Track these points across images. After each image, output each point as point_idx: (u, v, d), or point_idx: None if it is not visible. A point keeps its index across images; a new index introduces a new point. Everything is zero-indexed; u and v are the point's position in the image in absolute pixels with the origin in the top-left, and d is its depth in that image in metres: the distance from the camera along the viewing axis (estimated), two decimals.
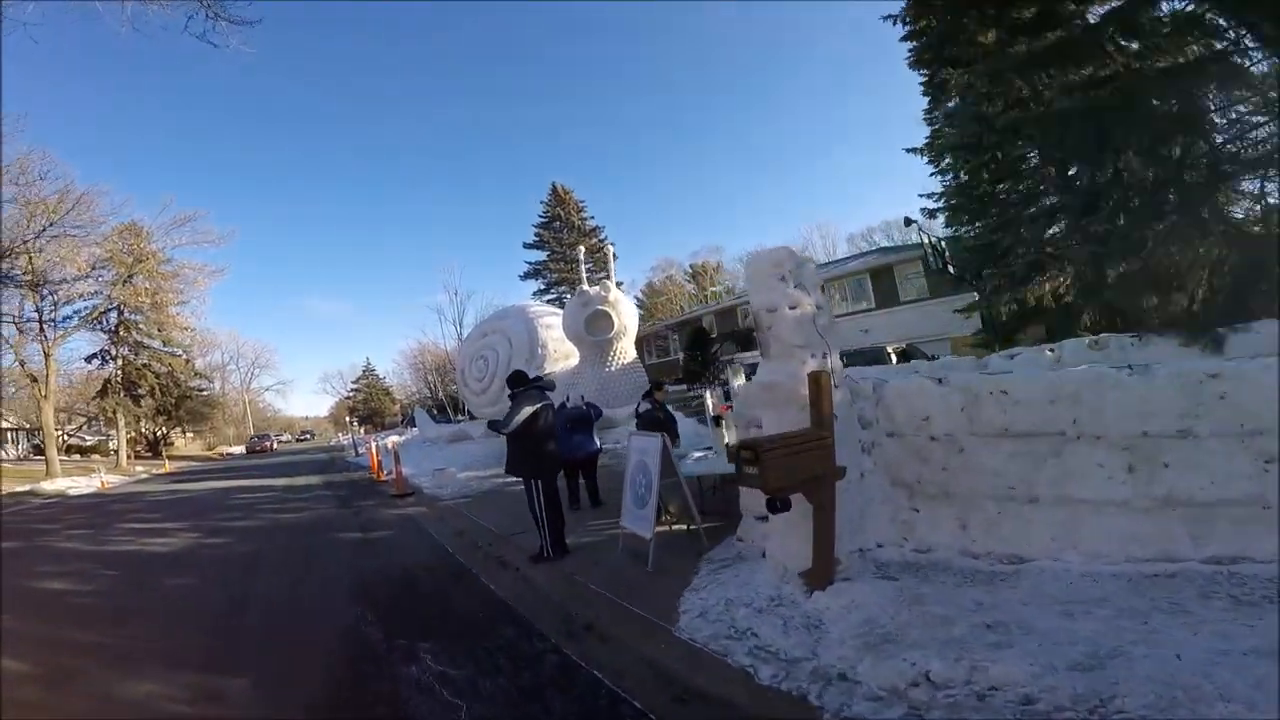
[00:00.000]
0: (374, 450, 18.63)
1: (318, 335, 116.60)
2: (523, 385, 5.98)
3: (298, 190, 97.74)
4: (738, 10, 76.09)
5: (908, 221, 16.16)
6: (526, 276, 43.56)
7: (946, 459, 4.33)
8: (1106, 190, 8.56)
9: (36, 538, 11.21)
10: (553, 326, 19.11)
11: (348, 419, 55.29)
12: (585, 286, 18.29)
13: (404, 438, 29.80)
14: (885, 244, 37.70)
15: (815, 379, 3.88)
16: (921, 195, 17.69)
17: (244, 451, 48.46)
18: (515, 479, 6.15)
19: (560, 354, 18.81)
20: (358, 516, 10.49)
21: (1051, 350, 5.62)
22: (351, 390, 79.38)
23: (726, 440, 6.22)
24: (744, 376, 9.55)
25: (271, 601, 5.71)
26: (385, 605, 5.22)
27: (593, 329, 17.46)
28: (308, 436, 76.22)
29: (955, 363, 5.68)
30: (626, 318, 18.05)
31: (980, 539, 4.20)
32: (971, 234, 14.07)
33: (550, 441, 5.91)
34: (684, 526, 6.06)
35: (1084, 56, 8.66)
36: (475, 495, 10.77)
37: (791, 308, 4.38)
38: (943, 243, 12.42)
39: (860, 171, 74.03)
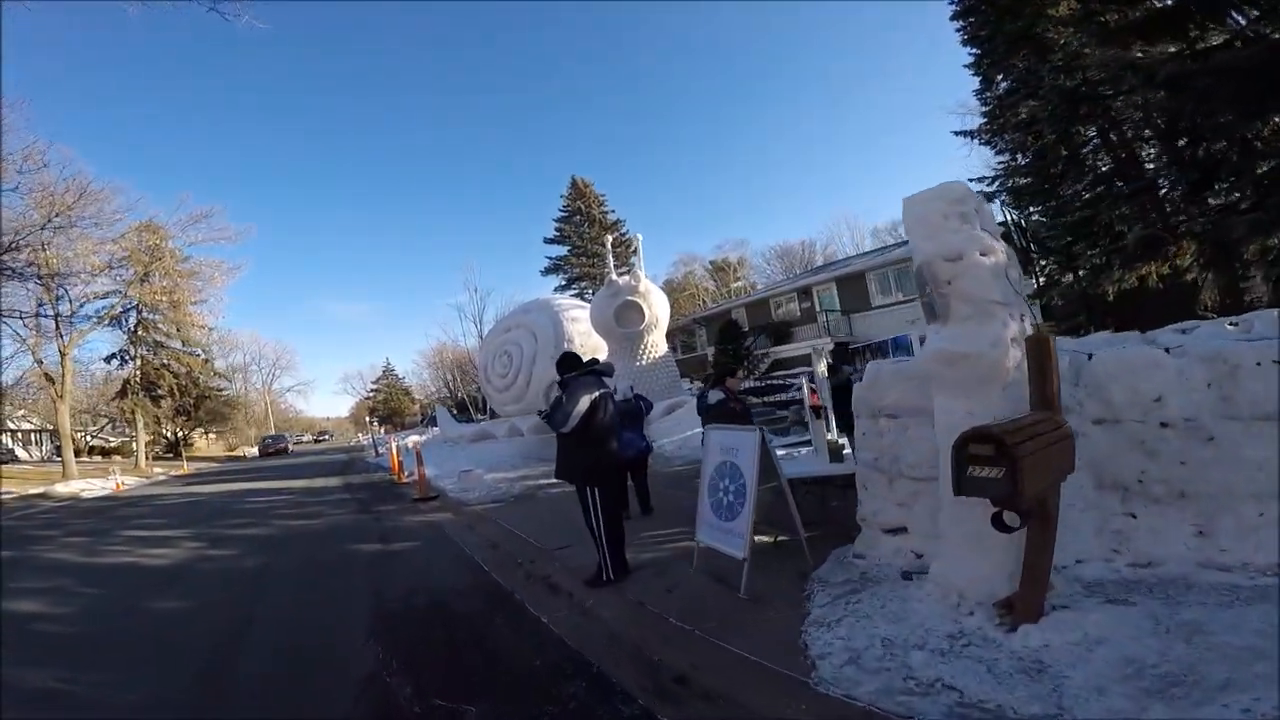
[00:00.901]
0: (394, 450, 17.71)
1: (337, 337, 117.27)
2: (576, 370, 4.89)
3: (315, 194, 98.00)
4: (754, 8, 74.51)
5: (988, 197, 14.96)
6: (547, 272, 42.70)
7: (1186, 450, 3.20)
8: (1225, 161, 7.49)
9: (29, 546, 10.36)
10: (579, 320, 18.09)
11: (368, 419, 54.73)
12: (614, 276, 17.25)
13: (424, 437, 29.07)
14: None
15: (1036, 346, 2.79)
16: (972, 180, 16.72)
17: (257, 454, 45.89)
18: (555, 482, 5.09)
19: (588, 348, 17.72)
20: (378, 524, 9.50)
21: (1233, 324, 4.41)
22: (371, 390, 79.33)
23: (830, 436, 5.10)
24: (825, 364, 8.45)
25: (271, 640, 4.67)
26: (413, 645, 4.17)
27: (623, 321, 16.42)
28: (326, 437, 76.10)
29: (1113, 338, 4.49)
30: (658, 309, 16.98)
31: (1234, 548, 3.12)
32: (1039, 214, 12.80)
33: (611, 439, 4.85)
34: (769, 539, 4.94)
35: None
36: (506, 500, 9.73)
37: (983, 254, 3.25)
38: (1025, 221, 11.22)
39: (879, 165, 72.09)
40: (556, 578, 5.21)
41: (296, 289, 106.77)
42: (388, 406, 74.43)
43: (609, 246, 19.02)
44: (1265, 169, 7.46)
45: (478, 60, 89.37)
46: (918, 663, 2.90)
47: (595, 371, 4.92)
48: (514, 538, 6.99)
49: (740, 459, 4.41)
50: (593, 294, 21.48)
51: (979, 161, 41.24)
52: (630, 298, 16.57)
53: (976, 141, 15.96)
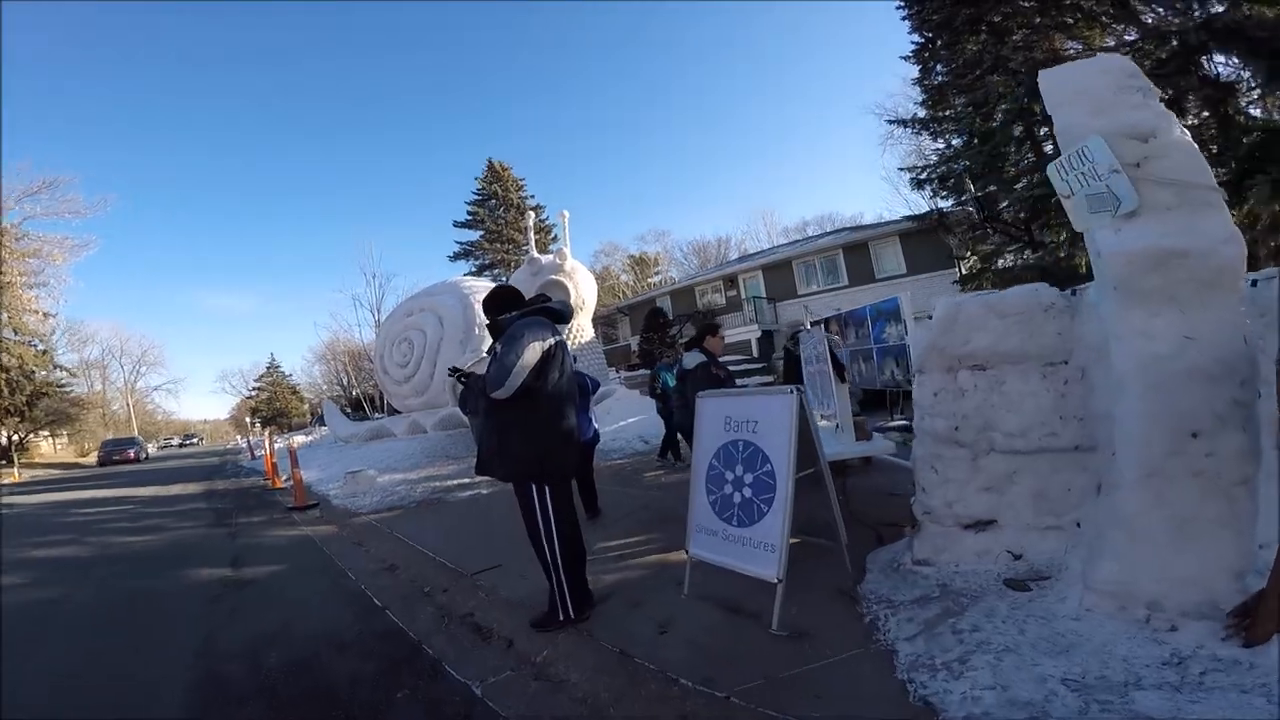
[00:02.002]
0: (270, 452, 15.05)
1: (216, 332, 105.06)
2: (517, 309, 3.32)
3: (194, 175, 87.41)
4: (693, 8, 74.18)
5: (914, 183, 14.75)
6: (457, 257, 39.67)
7: None
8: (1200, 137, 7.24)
9: None
10: None
11: (249, 420, 49.10)
12: (535, 254, 15.55)
13: (311, 438, 26.10)
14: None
15: None
16: (903, 169, 16.98)
17: (96, 464, 33.15)
18: (469, 482, 3.74)
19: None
20: (233, 540, 7.33)
21: None
22: (254, 389, 71.95)
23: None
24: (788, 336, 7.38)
25: None
26: None
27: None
28: (193, 440, 67.66)
29: None
30: (585, 289, 15.46)
31: None
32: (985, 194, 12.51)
33: (570, 411, 3.29)
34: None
35: None
36: (406, 507, 7.86)
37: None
38: (981, 196, 10.87)
39: (791, 164, 73.90)
40: (486, 616, 3.61)
41: (169, 278, 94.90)
42: (272, 407, 67.82)
43: (530, 223, 17.27)
44: (1246, 144, 7.10)
45: (384, 24, 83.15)
46: (1154, 709, 1.86)
47: (546, 310, 3.35)
48: (419, 557, 5.27)
49: (764, 436, 3.02)
50: (508, 279, 19.57)
51: (894, 158, 42.67)
52: (554, 277, 14.93)
53: (911, 130, 15.89)
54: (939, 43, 12.97)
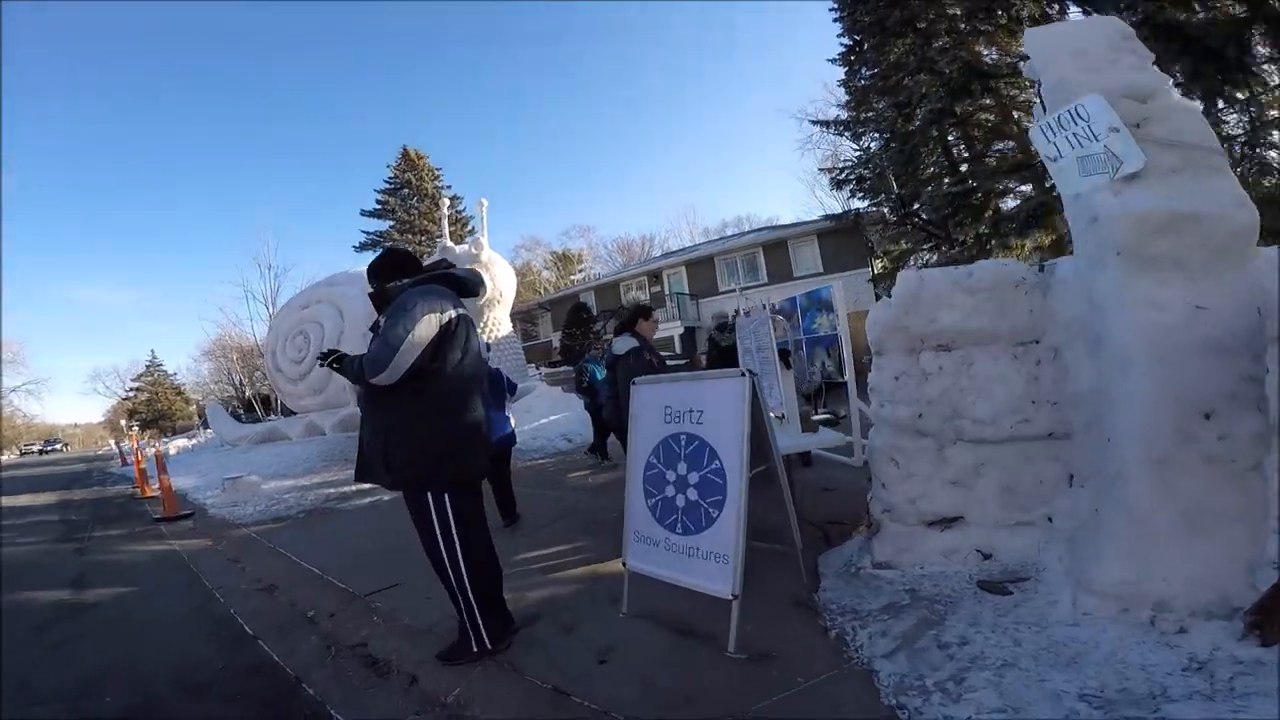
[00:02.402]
0: (140, 456, 13.30)
1: (88, 328, 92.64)
2: (410, 275, 2.72)
3: (67, 158, 77.24)
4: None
5: (833, 183, 15.10)
6: (364, 248, 37.21)
7: None
8: None
9: None
10: None
11: (125, 423, 44.05)
12: (448, 243, 14.63)
13: (194, 442, 23.76)
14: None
15: None
16: (823, 169, 17.95)
17: None
18: (369, 489, 3.19)
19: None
20: (80, 557, 6.19)
21: None
22: (131, 390, 64.94)
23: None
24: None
25: None
26: None
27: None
28: (57, 446, 60.11)
29: None
30: (503, 282, 14.70)
31: None
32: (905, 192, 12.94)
33: (475, 401, 2.70)
34: None
35: None
36: (293, 517, 6.95)
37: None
38: (902, 192, 11.11)
39: (713, 164, 75.01)
40: (383, 646, 3.00)
41: (30, 266, 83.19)
42: (153, 409, 61.56)
43: (445, 211, 16.25)
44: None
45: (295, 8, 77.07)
46: None
47: (447, 278, 2.76)
48: (304, 575, 4.53)
49: (711, 429, 2.60)
50: None
51: (812, 161, 44.07)
52: (469, 268, 14.08)
53: (832, 132, 16.36)
54: (866, 45, 13.30)
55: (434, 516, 2.50)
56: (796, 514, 2.96)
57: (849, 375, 5.88)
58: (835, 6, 14.04)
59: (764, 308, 5.62)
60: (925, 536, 2.80)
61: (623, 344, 4.12)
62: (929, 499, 2.79)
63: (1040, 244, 9.02)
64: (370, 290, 2.65)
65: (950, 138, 12.27)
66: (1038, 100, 2.65)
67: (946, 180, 11.70)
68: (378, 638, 3.14)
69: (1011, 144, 10.92)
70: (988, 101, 11.32)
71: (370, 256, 36.07)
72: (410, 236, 35.49)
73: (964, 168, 11.80)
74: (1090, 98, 2.29)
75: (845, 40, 14.45)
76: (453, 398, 2.54)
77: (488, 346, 5.75)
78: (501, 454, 5.08)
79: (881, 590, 2.70)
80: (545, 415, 11.53)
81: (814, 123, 17.09)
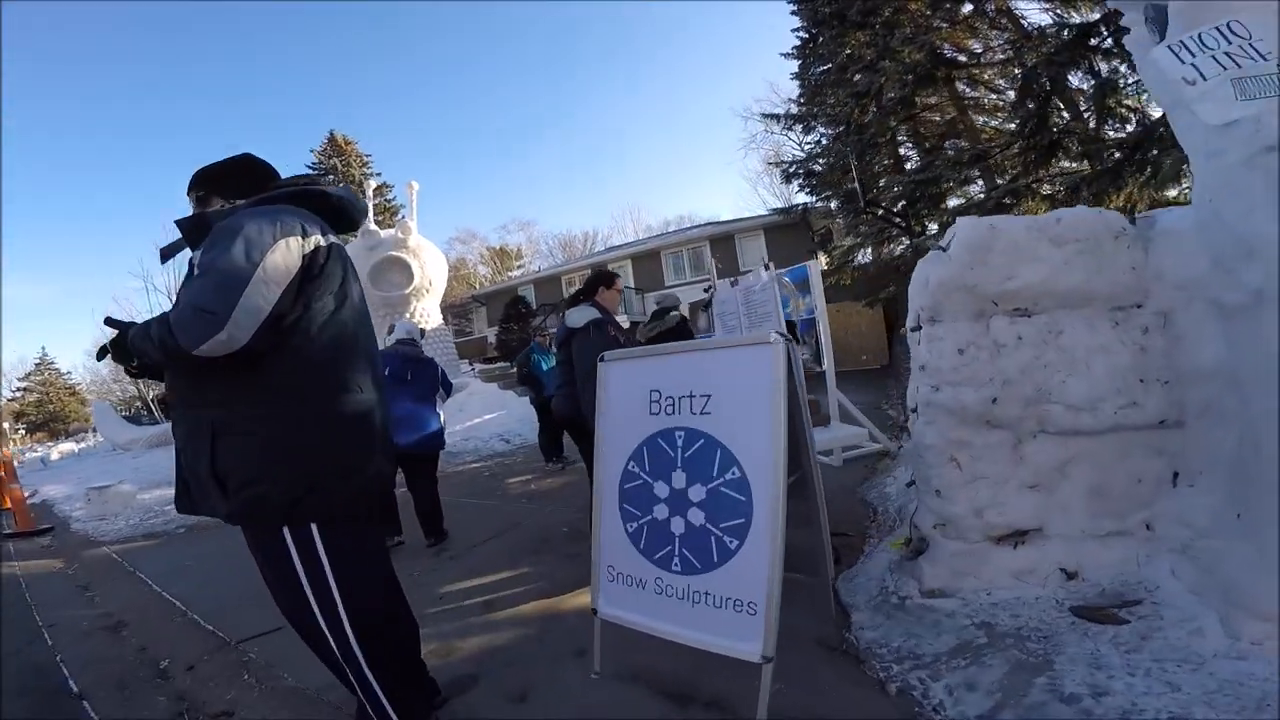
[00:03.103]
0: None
1: None
2: (241, 183, 1.75)
3: None
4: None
5: (784, 177, 14.82)
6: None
7: None
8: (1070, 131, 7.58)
9: None
10: None
11: (7, 426, 39.33)
12: (372, 226, 13.35)
13: (83, 445, 21.59)
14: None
15: None
16: (772, 164, 17.26)
17: None
18: None
19: None
20: None
21: None
22: (18, 390, 58.59)
23: None
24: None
25: None
26: None
27: (382, 281, 12.69)
28: None
29: None
30: (432, 269, 13.53)
31: None
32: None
33: (360, 373, 1.71)
34: None
35: None
36: (167, 533, 5.77)
37: None
38: (862, 180, 10.82)
39: (659, 162, 74.35)
40: (253, 717, 2.08)
41: None
42: (43, 410, 55.83)
43: (369, 193, 14.93)
44: (1113, 139, 7.39)
45: None
46: None
47: (308, 195, 1.77)
48: (164, 609, 3.49)
49: (724, 421, 1.79)
50: None
51: (755, 161, 44.11)
52: (395, 253, 12.85)
53: (782, 126, 16.35)
54: (822, 38, 12.99)
55: (297, 562, 1.59)
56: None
57: (828, 364, 5.26)
58: None
59: (767, 268, 4.88)
60: (993, 555, 2.13)
61: (580, 314, 3.23)
62: (1000, 508, 2.11)
63: None
64: (184, 218, 1.67)
65: (901, 135, 12.22)
66: (1146, 24, 2.05)
67: (908, 168, 11.48)
68: (248, 705, 2.24)
69: (964, 143, 10.87)
70: (934, 101, 11.35)
71: None
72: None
73: (921, 160, 11.71)
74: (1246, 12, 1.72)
75: (802, 34, 14.14)
76: (324, 373, 1.61)
77: (421, 333, 4.79)
78: (426, 458, 4.18)
79: (942, 626, 2.01)
80: (479, 414, 10.50)
81: (766, 116, 16.71)
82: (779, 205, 18.27)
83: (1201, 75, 1.85)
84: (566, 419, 3.41)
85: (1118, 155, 6.64)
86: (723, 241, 20.96)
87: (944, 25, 10.28)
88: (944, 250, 2.19)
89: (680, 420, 1.87)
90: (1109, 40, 7.14)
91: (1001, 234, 2.11)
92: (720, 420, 1.78)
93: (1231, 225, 1.80)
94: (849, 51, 11.80)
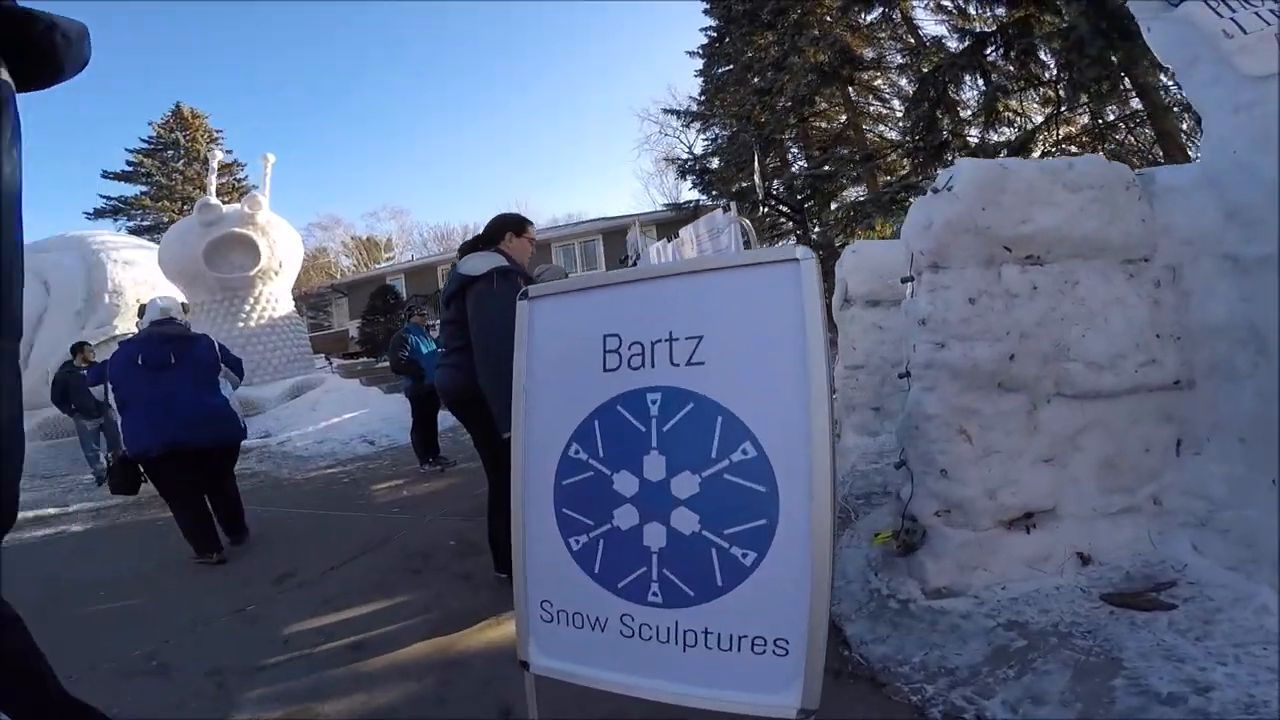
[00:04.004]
0: None
1: None
2: None
3: None
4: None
5: (680, 172, 15.03)
6: (101, 215, 29.10)
7: None
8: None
9: None
10: (136, 264, 11.82)
11: None
12: (212, 199, 11.43)
13: None
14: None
15: None
16: (668, 160, 18.50)
17: None
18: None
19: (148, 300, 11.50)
20: None
21: None
22: None
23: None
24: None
25: None
26: None
27: (220, 261, 10.90)
28: None
29: None
30: (284, 250, 11.81)
31: None
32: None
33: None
34: None
35: None
36: None
37: None
38: (764, 174, 11.07)
39: (547, 160, 72.20)
40: None
41: None
42: None
43: (213, 164, 12.83)
44: (1001, 140, 8.00)
45: None
46: None
47: None
48: None
49: (724, 375, 1.24)
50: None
51: (648, 161, 44.18)
52: (239, 229, 11.03)
53: (683, 122, 16.82)
54: (728, 37, 13.27)
55: None
56: None
57: None
58: None
59: (725, 209, 4.31)
60: (1004, 542, 1.80)
61: (481, 260, 2.45)
62: (1014, 487, 1.79)
63: (893, 227, 9.52)
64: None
65: (789, 140, 12.76)
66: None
67: (804, 164, 11.91)
68: None
69: (852, 149, 11.57)
70: (825, 108, 11.82)
71: (108, 225, 29.03)
72: (168, 204, 28.84)
73: (810, 164, 12.25)
74: None
75: (711, 32, 14.48)
76: None
77: (184, 308, 3.96)
78: (222, 451, 3.53)
79: (964, 631, 1.65)
80: (337, 413, 9.16)
81: (667, 112, 17.38)
82: (672, 202, 18.56)
83: (1242, 29, 1.76)
84: (455, 396, 2.64)
85: (1004, 156, 7.12)
86: (615, 235, 20.69)
87: (847, 33, 10.74)
88: (947, 190, 1.83)
89: (654, 377, 1.30)
90: (1000, 51, 7.75)
91: (1014, 174, 1.81)
92: (719, 374, 1.24)
93: (1268, 175, 1.63)
94: (749, 54, 12.18)
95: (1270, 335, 1.65)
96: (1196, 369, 1.82)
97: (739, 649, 1.15)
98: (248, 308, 11.13)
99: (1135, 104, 7.73)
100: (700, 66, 15.13)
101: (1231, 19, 1.75)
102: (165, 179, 30.46)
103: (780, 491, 1.15)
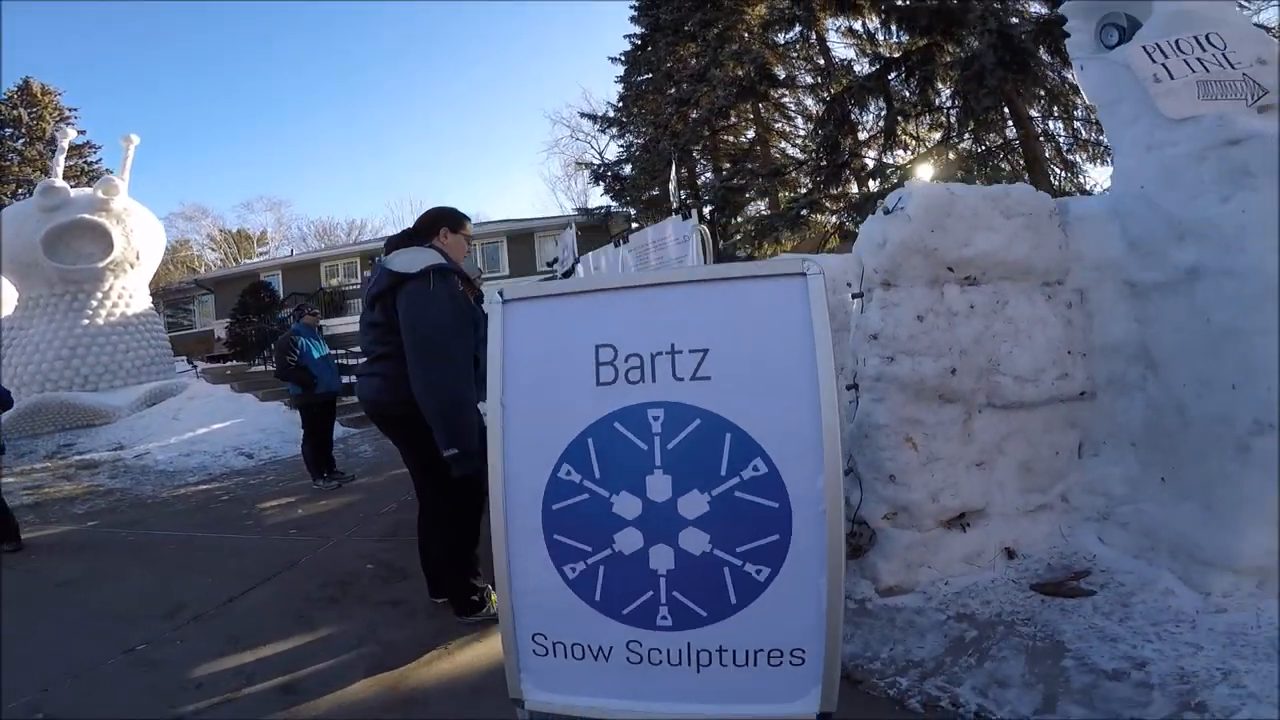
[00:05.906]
0: None
1: None
2: None
3: None
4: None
5: (593, 177, 15.14)
6: None
7: None
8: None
9: None
10: None
11: None
12: (58, 181, 9.95)
13: None
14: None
15: None
16: (581, 165, 18.97)
17: None
18: None
19: None
20: None
21: None
22: None
23: None
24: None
25: None
26: None
27: (64, 250, 9.49)
28: None
29: None
30: (142, 239, 10.49)
31: None
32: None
33: None
34: None
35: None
36: None
37: None
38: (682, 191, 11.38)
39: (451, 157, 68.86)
40: None
41: None
42: None
43: (62, 143, 11.16)
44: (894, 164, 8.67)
45: None
46: None
47: None
48: None
49: (731, 389, 1.26)
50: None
51: (558, 165, 43.47)
52: (89, 216, 9.65)
53: (599, 127, 17.25)
54: (652, 46, 13.49)
55: None
56: None
57: None
58: (636, 4, 14.24)
59: (689, 217, 4.25)
60: (945, 541, 1.98)
61: (415, 257, 2.21)
62: (953, 490, 1.96)
63: (797, 242, 9.93)
64: None
65: (697, 154, 13.20)
66: (1100, 31, 2.35)
67: (711, 176, 12.28)
68: None
69: (760, 164, 12.15)
70: (734, 122, 12.30)
71: None
72: (3, 188, 24.71)
73: (718, 178, 12.78)
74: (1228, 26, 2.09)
75: (636, 39, 14.64)
76: None
77: None
78: None
79: (918, 625, 1.80)
80: (205, 423, 8.21)
81: (584, 115, 17.58)
82: (582, 207, 18.56)
83: (1169, 75, 2.02)
84: (382, 410, 2.40)
85: (897, 178, 7.71)
86: (521, 239, 20.16)
87: (766, 49, 11.16)
88: (897, 211, 1.98)
89: (655, 392, 1.28)
90: (903, 76, 8.39)
91: (960, 199, 1.99)
92: (726, 389, 1.24)
93: (1168, 210, 1.90)
94: (670, 64, 12.52)
95: (1159, 353, 1.92)
96: (1097, 381, 2.09)
97: (755, 663, 1.17)
98: (95, 303, 9.77)
99: (1010, 133, 8.67)
100: (621, 73, 15.30)
101: (1163, 65, 2.03)
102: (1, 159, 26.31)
103: (793, 506, 1.18)
